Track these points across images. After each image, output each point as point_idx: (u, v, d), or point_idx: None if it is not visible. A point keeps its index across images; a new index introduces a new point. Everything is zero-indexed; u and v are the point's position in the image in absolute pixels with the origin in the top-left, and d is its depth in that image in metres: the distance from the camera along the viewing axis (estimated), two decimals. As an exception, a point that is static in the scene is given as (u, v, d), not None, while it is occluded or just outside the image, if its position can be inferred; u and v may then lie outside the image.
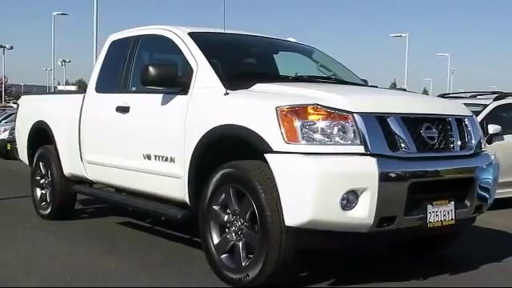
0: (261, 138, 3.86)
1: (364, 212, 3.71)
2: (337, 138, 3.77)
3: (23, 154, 7.28)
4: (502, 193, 6.58)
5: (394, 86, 58.62)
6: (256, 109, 4.05)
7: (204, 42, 4.92)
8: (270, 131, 3.82)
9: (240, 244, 4.09)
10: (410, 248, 4.96)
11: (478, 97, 9.25)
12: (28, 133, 6.97)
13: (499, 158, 4.72)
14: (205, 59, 4.69)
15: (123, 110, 5.25)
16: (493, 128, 7.77)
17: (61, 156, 6.31)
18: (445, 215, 4.09)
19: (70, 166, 6.20)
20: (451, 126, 4.30)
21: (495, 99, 8.45)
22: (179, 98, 4.66)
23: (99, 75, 5.95)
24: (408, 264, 4.87)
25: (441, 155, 4.18)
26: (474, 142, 4.44)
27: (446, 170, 4.15)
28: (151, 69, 4.58)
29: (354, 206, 3.71)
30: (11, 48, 47.91)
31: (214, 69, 4.59)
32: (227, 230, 4.20)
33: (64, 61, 59.12)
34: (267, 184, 3.84)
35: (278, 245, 3.80)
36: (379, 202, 3.70)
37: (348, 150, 3.77)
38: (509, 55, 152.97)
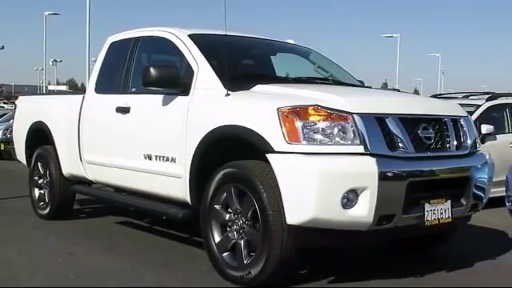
0: (262, 138, 3.94)
1: (364, 210, 3.80)
2: (337, 138, 3.85)
3: (21, 155, 7.30)
4: (495, 192, 6.68)
5: (385, 87, 58.79)
6: (257, 110, 4.13)
7: (204, 43, 5.00)
8: (272, 131, 3.90)
9: (242, 242, 4.16)
10: (407, 246, 5.05)
11: (471, 97, 9.38)
12: (26, 133, 6.99)
13: (492, 158, 4.82)
14: (205, 61, 4.76)
15: (123, 110, 5.31)
16: (486, 128, 7.89)
17: (60, 156, 6.35)
18: (442, 213, 4.19)
19: (69, 166, 6.24)
20: (447, 126, 4.40)
21: (488, 99, 8.58)
22: (180, 99, 4.73)
23: (98, 76, 6.00)
24: (405, 262, 4.96)
25: (437, 155, 4.28)
26: (469, 141, 4.55)
27: (442, 169, 4.25)
28: (153, 70, 4.64)
29: (354, 205, 3.79)
30: (2, 48, 47.63)
31: (214, 70, 4.66)
32: (228, 229, 4.27)
33: (55, 60, 58.89)
34: (269, 183, 3.92)
35: (279, 243, 3.88)
36: (379, 201, 3.80)
37: (348, 150, 3.85)
38: (498, 55, 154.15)
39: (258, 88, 4.50)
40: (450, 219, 4.24)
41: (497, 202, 6.66)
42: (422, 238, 4.85)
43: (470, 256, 5.02)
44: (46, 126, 6.55)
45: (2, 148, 15.32)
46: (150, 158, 4.96)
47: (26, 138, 7.01)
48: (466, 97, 9.41)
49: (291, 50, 6.10)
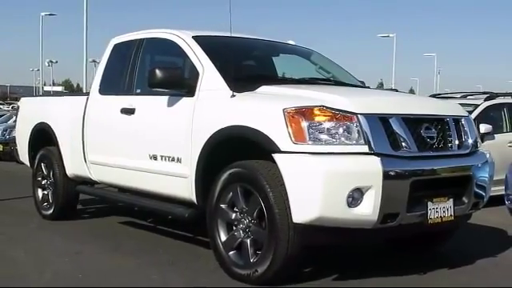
0: (269, 138, 4.01)
1: (369, 209, 3.87)
2: (342, 138, 3.93)
3: (24, 156, 7.35)
4: (494, 190, 6.75)
5: (381, 86, 58.98)
6: (263, 110, 4.20)
7: (208, 45, 5.06)
8: (278, 132, 3.97)
9: (248, 241, 4.23)
10: (409, 244, 5.13)
11: (469, 97, 9.46)
12: (29, 134, 7.04)
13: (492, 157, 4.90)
14: (210, 62, 4.82)
15: (128, 111, 5.36)
16: (484, 127, 7.98)
17: (63, 157, 6.40)
18: (444, 212, 4.27)
19: (73, 166, 6.29)
20: (449, 125, 4.48)
21: (486, 99, 8.67)
22: (185, 100, 4.79)
23: (102, 77, 6.05)
24: (407, 259, 5.04)
25: (440, 154, 4.36)
26: (470, 141, 4.63)
27: (445, 168, 4.33)
28: (159, 72, 4.70)
29: (359, 204, 3.87)
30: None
31: (219, 71, 4.72)
32: (235, 228, 4.34)
33: (51, 61, 58.79)
34: (275, 183, 3.99)
35: (285, 241, 3.95)
36: (383, 200, 3.87)
37: (353, 150, 3.93)
38: (494, 55, 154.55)
39: (263, 89, 4.56)
40: (453, 217, 4.32)
41: (496, 201, 6.74)
42: (424, 236, 4.92)
43: (471, 254, 5.10)
44: (50, 127, 6.60)
45: (1, 149, 15.32)
46: (155, 158, 5.02)
47: (29, 139, 7.06)
48: (464, 96, 9.49)
49: (293, 51, 6.17)
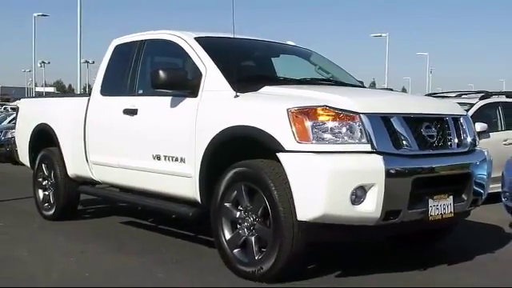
0: (273, 138, 4.08)
1: (372, 206, 3.96)
2: (345, 138, 4.01)
3: (24, 157, 7.38)
4: (490, 188, 6.86)
5: (373, 86, 59.12)
6: (267, 110, 4.27)
7: (211, 46, 5.12)
8: (282, 131, 4.05)
9: (252, 239, 4.30)
10: (409, 240, 5.22)
11: (463, 96, 9.56)
12: (29, 135, 7.08)
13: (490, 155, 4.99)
14: (213, 63, 4.88)
15: (131, 112, 5.41)
16: (479, 126, 8.05)
17: (65, 157, 6.44)
18: (444, 209, 4.37)
19: (75, 167, 6.33)
20: (449, 124, 4.57)
21: (481, 98, 8.79)
22: (189, 101, 4.85)
23: (104, 79, 6.09)
24: (407, 255, 5.13)
25: (440, 152, 4.45)
26: (469, 139, 4.73)
27: (445, 166, 4.43)
28: (162, 73, 4.76)
29: (362, 201, 3.95)
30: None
31: (222, 72, 4.79)
32: (239, 226, 4.40)
33: (43, 62, 58.63)
34: (279, 181, 4.06)
35: (290, 238, 4.03)
36: (386, 197, 3.96)
37: (356, 149, 4.01)
38: (486, 54, 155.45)
39: (266, 89, 4.64)
40: (453, 214, 4.42)
41: (492, 199, 6.84)
42: (424, 232, 5.01)
43: (470, 250, 5.20)
44: (51, 127, 6.64)
45: (-3, 151, 15.28)
46: (158, 158, 5.08)
47: (30, 140, 7.10)
48: (459, 96, 9.59)
49: (292, 52, 6.24)
